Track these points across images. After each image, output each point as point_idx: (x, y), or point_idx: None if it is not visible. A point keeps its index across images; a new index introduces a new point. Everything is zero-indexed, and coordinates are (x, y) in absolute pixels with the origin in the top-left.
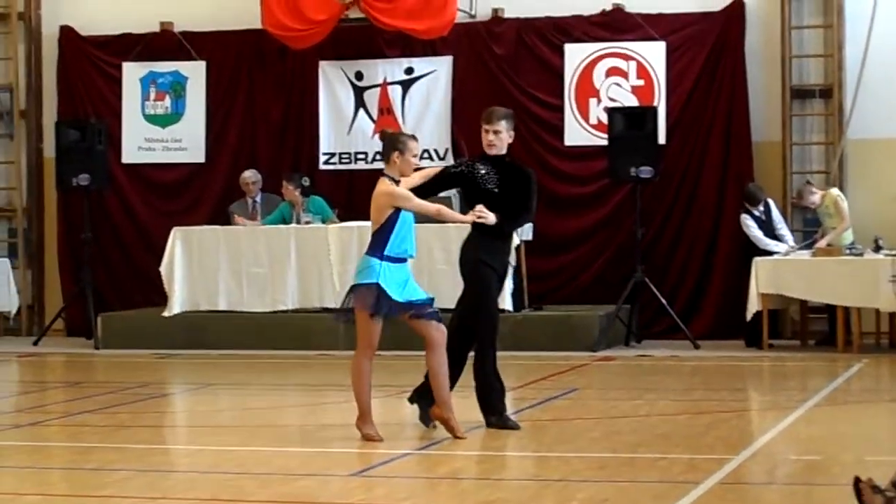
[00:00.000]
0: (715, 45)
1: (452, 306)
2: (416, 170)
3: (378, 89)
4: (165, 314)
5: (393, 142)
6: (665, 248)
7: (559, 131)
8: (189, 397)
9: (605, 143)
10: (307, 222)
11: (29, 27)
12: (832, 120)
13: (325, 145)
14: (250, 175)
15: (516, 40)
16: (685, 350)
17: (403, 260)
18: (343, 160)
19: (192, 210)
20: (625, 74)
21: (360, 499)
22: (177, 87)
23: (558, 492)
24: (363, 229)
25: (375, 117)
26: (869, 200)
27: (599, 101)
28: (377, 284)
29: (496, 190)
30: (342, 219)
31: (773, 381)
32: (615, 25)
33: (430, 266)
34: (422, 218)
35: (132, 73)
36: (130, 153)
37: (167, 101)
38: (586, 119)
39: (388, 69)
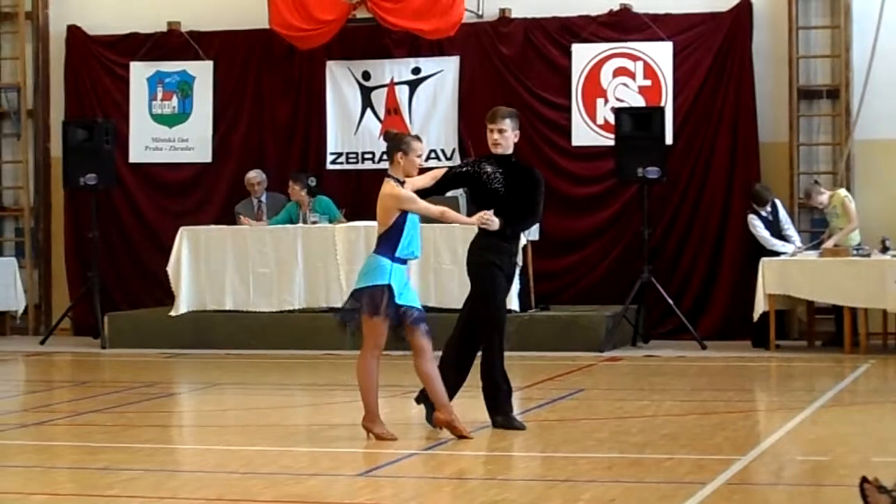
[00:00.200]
0: (722, 46)
1: (459, 307)
2: (423, 170)
3: (385, 89)
4: (172, 314)
5: (397, 142)
6: (672, 249)
7: (566, 131)
8: (196, 397)
9: (612, 143)
10: (314, 222)
11: (36, 27)
12: (839, 120)
13: (332, 145)
14: (255, 175)
15: (523, 40)
16: (692, 350)
17: (407, 261)
18: (350, 160)
19: (199, 210)
20: (632, 75)
21: (367, 499)
22: (184, 86)
23: (565, 492)
24: (370, 229)
25: (382, 117)
26: (876, 201)
27: (607, 101)
28: (388, 286)
29: (502, 189)
30: (349, 219)
31: (780, 382)
32: (622, 26)
33: (436, 266)
34: (427, 218)
35: (139, 72)
36: (138, 153)
37: (174, 101)
38: (593, 119)
39: (396, 69)
